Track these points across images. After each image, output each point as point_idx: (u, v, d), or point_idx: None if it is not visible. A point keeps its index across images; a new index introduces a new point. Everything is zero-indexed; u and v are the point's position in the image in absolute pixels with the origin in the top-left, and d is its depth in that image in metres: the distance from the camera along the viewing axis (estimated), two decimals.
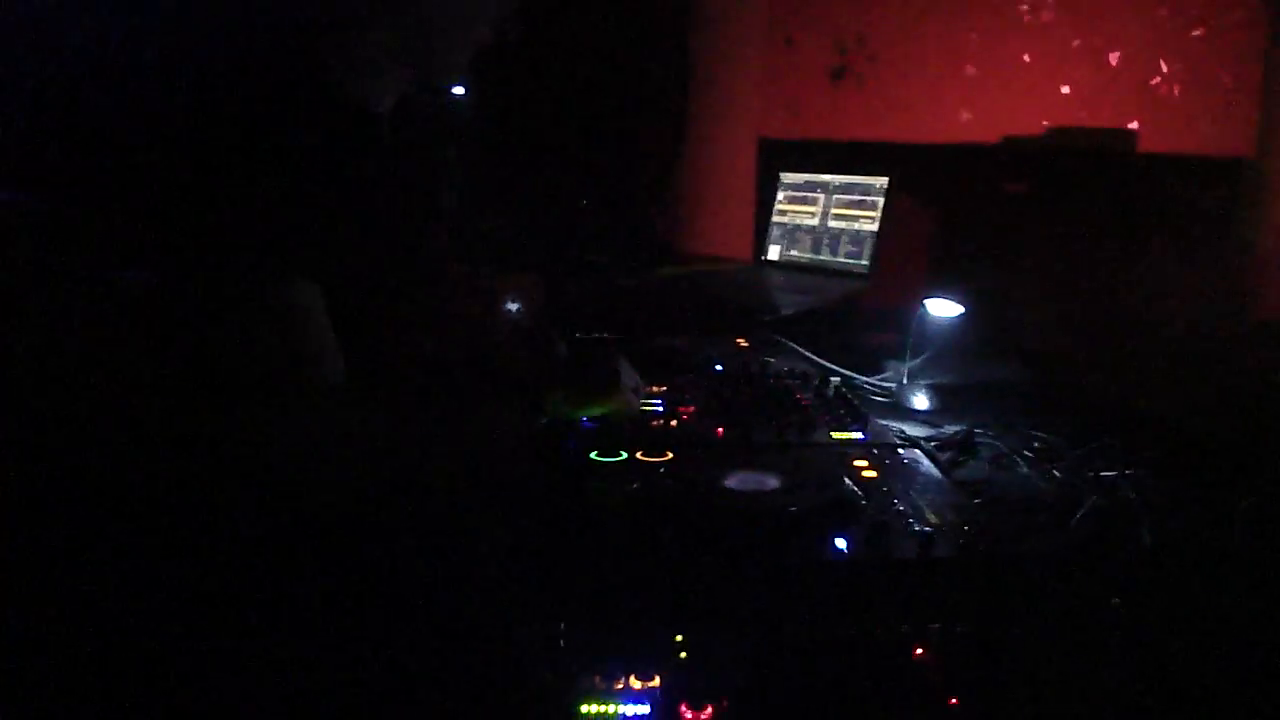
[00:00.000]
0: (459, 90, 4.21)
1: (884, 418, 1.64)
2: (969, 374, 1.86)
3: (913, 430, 1.55)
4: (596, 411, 1.34)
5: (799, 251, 2.36)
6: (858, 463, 1.22)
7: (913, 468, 1.24)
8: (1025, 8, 4.60)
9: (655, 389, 1.54)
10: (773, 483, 1.11)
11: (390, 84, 1.32)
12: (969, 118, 4.67)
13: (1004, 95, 4.66)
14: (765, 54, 4.17)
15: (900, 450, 1.31)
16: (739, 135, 3.99)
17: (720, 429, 1.35)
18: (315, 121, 1.21)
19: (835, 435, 1.35)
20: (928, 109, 4.64)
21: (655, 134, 4.05)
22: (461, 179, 3.66)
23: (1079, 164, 3.68)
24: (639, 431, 1.33)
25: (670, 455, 1.24)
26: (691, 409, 1.45)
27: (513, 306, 2.82)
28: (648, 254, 3.34)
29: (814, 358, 1.86)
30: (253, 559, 1.09)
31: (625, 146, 4.53)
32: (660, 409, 1.45)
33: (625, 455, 1.23)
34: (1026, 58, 4.62)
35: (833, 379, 1.65)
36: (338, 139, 1.24)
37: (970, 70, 4.67)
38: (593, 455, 1.23)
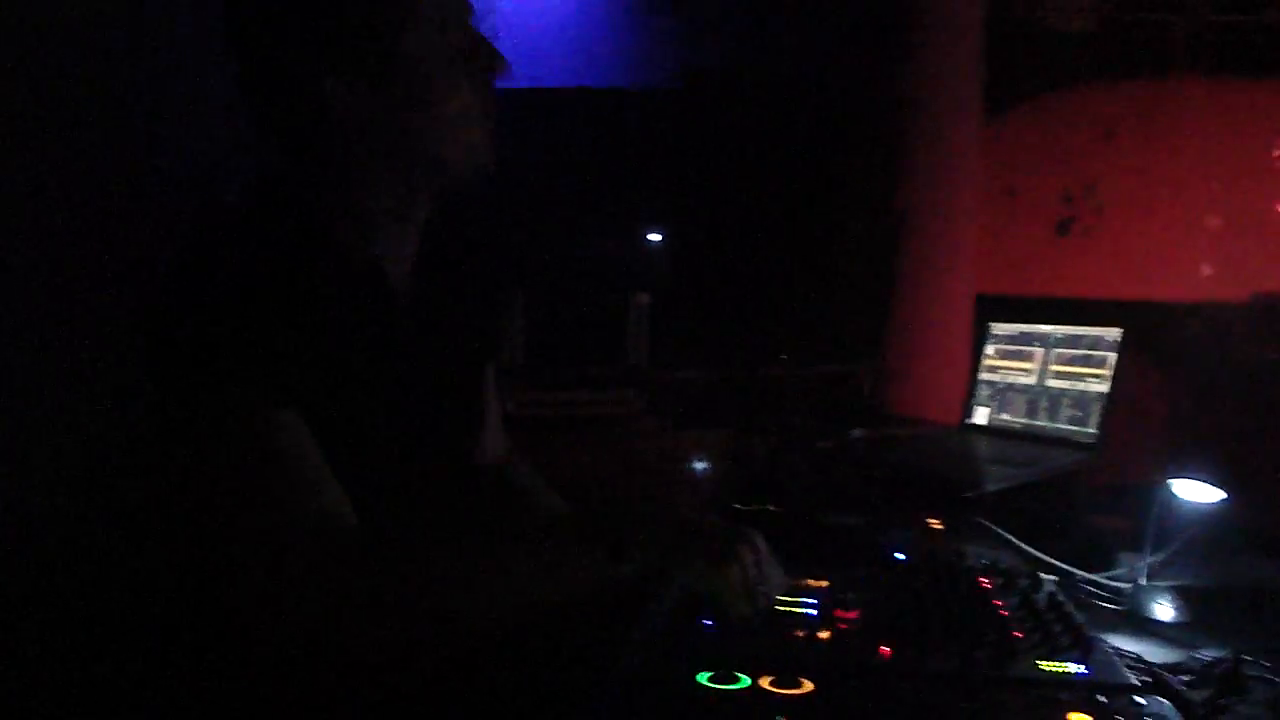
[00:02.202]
0: (655, 236, 4.14)
1: (1115, 631, 1.27)
2: (1231, 576, 1.46)
3: (1154, 654, 1.18)
4: (696, 586, 1.04)
5: (1010, 415, 2.01)
6: (1074, 718, 0.86)
7: None
8: (1277, 154, 4.19)
9: (813, 583, 1.23)
10: None
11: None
12: (1211, 273, 4.24)
13: (1253, 248, 4.23)
14: (985, 205, 3.91)
15: (1139, 698, 0.93)
16: (954, 291, 3.71)
17: (888, 648, 1.02)
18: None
19: (1045, 666, 0.99)
20: (1164, 263, 4.25)
21: (864, 289, 3.83)
22: (649, 327, 3.54)
23: None
24: (776, 645, 1.02)
25: (810, 686, 0.92)
26: (854, 614, 1.12)
27: (699, 466, 2.59)
28: (849, 415, 3.09)
29: (1024, 547, 1.50)
30: None
31: (831, 300, 4.32)
32: (814, 613, 1.13)
33: (747, 682, 0.92)
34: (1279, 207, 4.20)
35: (1046, 578, 1.29)
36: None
37: (1213, 222, 4.27)
38: (700, 678, 0.93)
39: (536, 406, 2.97)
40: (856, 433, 2.43)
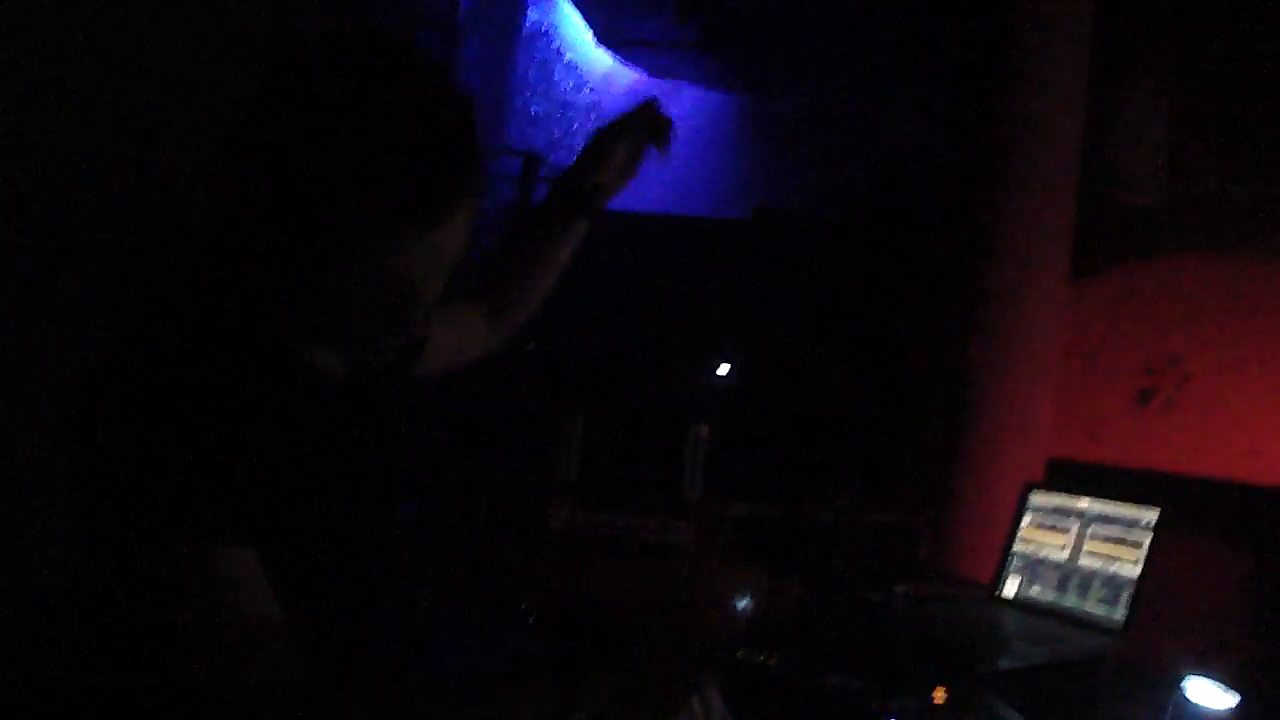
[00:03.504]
0: (724, 370, 4.16)
1: None
2: None
3: None
4: None
5: (1040, 590, 1.94)
6: None
7: None
8: None
9: None
10: None
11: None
12: None
13: None
14: (1063, 370, 3.86)
15: None
16: (1025, 454, 3.64)
17: None
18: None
19: None
20: (1248, 442, 4.13)
21: (930, 441, 3.78)
22: (706, 459, 3.53)
23: None
24: None
25: None
26: None
27: (741, 603, 2.56)
28: (900, 569, 3.03)
29: None
30: None
31: (895, 448, 4.28)
32: None
33: None
34: None
35: None
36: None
37: None
38: None
39: (585, 526, 2.97)
40: (900, 588, 2.38)
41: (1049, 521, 2.00)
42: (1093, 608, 1.81)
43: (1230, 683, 1.34)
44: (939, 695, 1.52)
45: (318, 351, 1.09)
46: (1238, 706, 1.33)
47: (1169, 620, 1.79)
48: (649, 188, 4.71)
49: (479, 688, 1.05)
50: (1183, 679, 1.37)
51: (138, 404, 0.93)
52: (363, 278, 0.99)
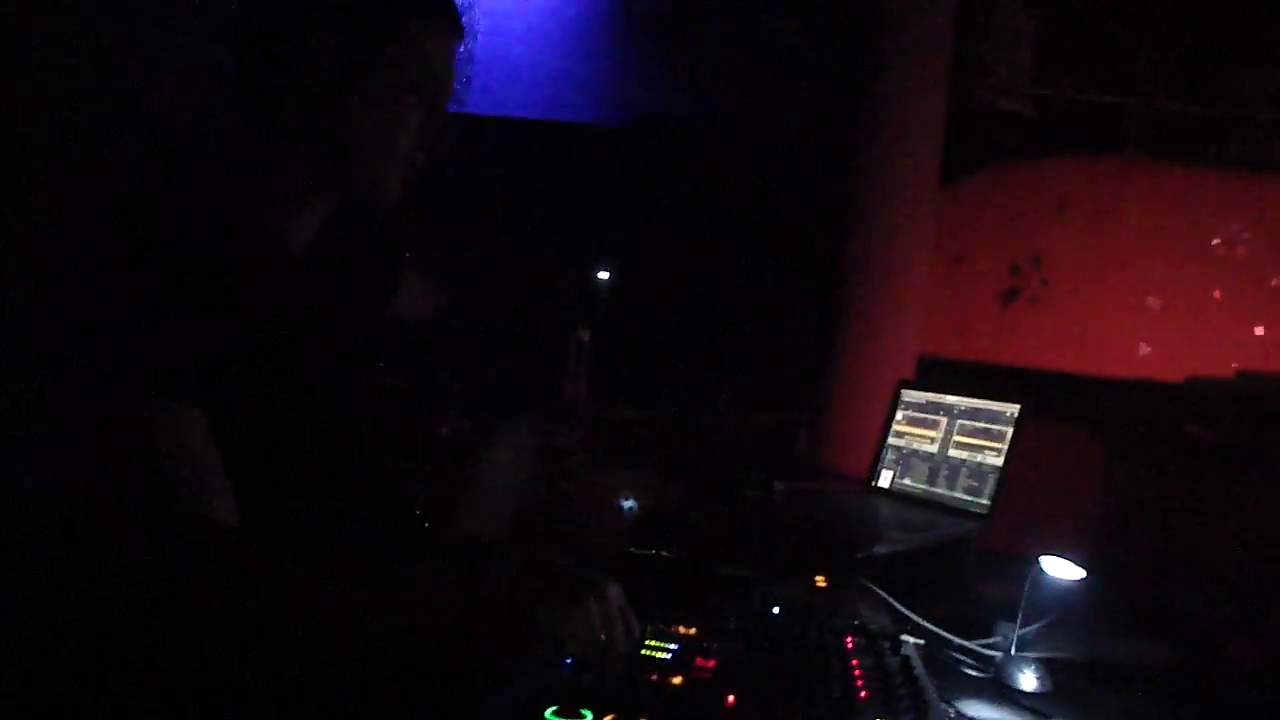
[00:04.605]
0: (604, 275, 4.18)
1: (977, 698, 1.33)
2: (1096, 650, 1.52)
3: None
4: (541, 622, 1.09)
5: (913, 481, 2.06)
6: None
7: None
8: (1218, 241, 4.31)
9: (683, 630, 1.27)
10: None
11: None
12: (1148, 352, 4.35)
13: (1190, 332, 4.34)
14: (933, 270, 3.98)
15: None
16: (898, 351, 3.77)
17: (733, 696, 1.06)
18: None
19: None
20: (1104, 338, 4.35)
21: (809, 343, 3.88)
22: (590, 363, 3.57)
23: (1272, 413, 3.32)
24: (628, 686, 1.06)
25: None
26: (712, 663, 1.16)
27: (627, 504, 2.62)
28: (780, 467, 3.14)
29: (902, 609, 1.55)
30: None
31: (774, 352, 4.38)
32: (670, 658, 1.17)
33: (590, 718, 0.96)
34: (1217, 294, 4.30)
35: (910, 642, 1.33)
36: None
37: (1154, 302, 4.38)
38: (546, 714, 0.97)
39: (468, 432, 2.99)
40: (779, 485, 2.48)
41: (920, 416, 2.11)
42: (961, 495, 1.93)
43: (1080, 559, 1.47)
44: (820, 581, 1.62)
45: (286, 220, 1.21)
46: (1085, 579, 1.45)
47: (1028, 505, 1.92)
48: (517, 89, 4.64)
49: (386, 567, 1.10)
50: (1038, 557, 1.48)
51: (107, 265, 1.01)
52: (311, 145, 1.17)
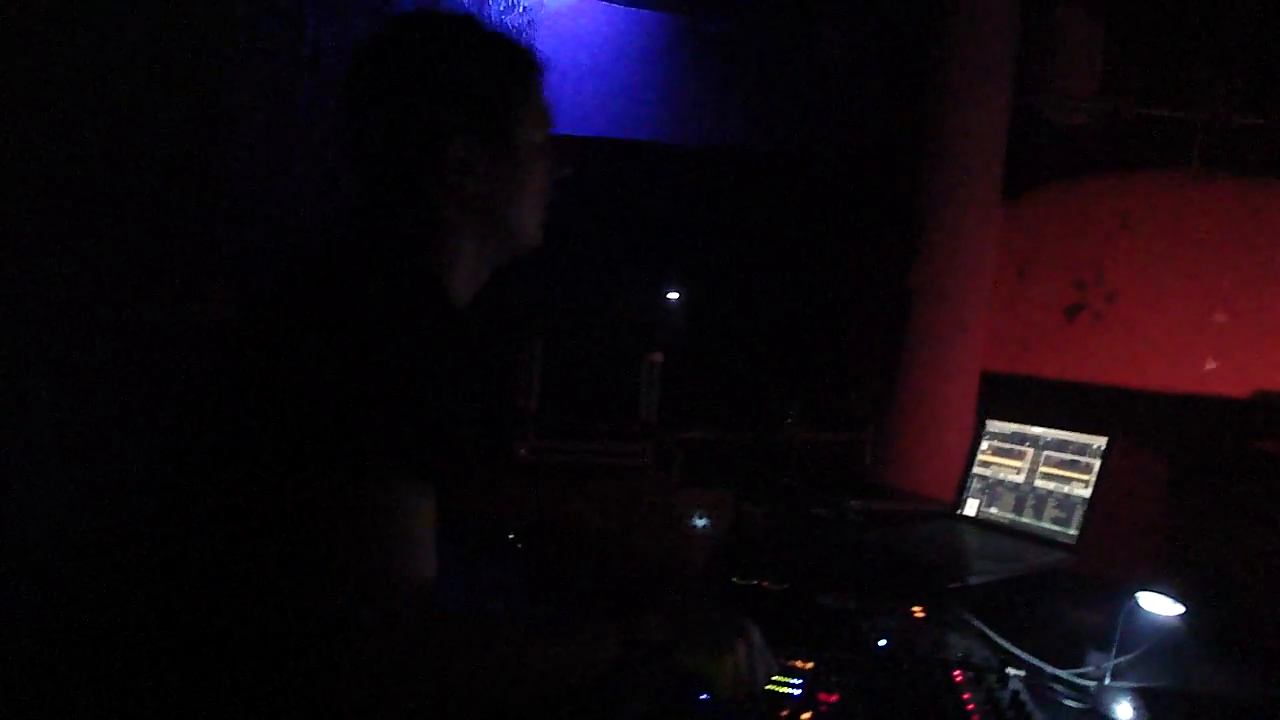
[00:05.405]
0: (673, 295, 4.25)
1: None
2: (1189, 680, 1.57)
3: None
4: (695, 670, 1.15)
5: (999, 510, 2.12)
6: None
7: None
8: None
9: (800, 664, 1.34)
10: None
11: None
12: (1215, 367, 4.35)
13: (1257, 346, 4.34)
14: (996, 285, 4.02)
15: None
16: (962, 368, 3.82)
17: None
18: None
19: None
20: (1169, 353, 4.35)
21: (873, 360, 3.93)
22: (661, 385, 3.63)
23: None
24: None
25: None
26: (834, 698, 1.24)
27: (700, 522, 2.69)
28: (849, 484, 3.18)
29: (999, 640, 1.62)
30: None
31: (840, 368, 4.43)
32: (797, 693, 1.24)
33: None
34: None
35: (1014, 674, 1.40)
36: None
37: (1220, 317, 4.38)
38: None
39: (547, 453, 3.07)
40: (854, 504, 2.54)
41: (1006, 447, 2.17)
42: (1048, 525, 1.99)
43: (1176, 594, 1.52)
44: (918, 611, 1.69)
45: (457, 285, 1.29)
46: (1184, 615, 1.51)
47: (1118, 536, 1.96)
48: (583, 109, 4.71)
49: (545, 629, 1.15)
50: (1135, 591, 1.54)
51: (324, 342, 1.06)
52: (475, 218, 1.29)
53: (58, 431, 1.99)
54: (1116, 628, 1.52)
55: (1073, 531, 1.94)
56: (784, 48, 5.24)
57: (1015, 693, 1.31)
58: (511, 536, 2.11)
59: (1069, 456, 2.01)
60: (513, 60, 1.33)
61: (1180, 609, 1.50)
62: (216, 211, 2.52)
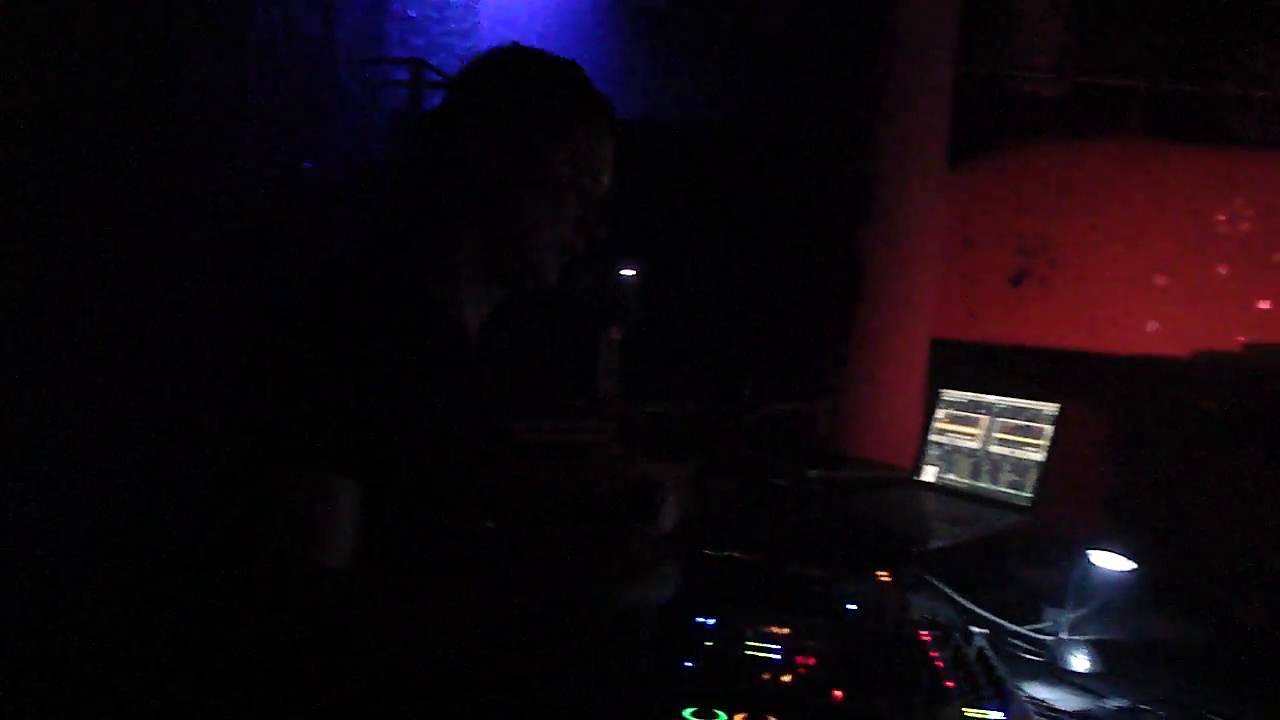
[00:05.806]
0: (629, 272, 4.29)
1: (1035, 680, 1.49)
2: (1140, 631, 1.67)
3: (1067, 701, 1.40)
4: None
5: (956, 476, 2.20)
6: None
7: None
8: (1222, 218, 4.43)
9: (777, 630, 1.41)
10: None
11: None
12: (1157, 328, 4.48)
13: (1196, 308, 4.47)
14: (943, 255, 4.11)
15: None
16: (912, 336, 3.90)
17: (839, 691, 1.21)
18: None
19: (970, 714, 1.19)
20: (1112, 317, 4.47)
21: (825, 329, 4.00)
22: (620, 361, 3.68)
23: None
24: (747, 685, 1.21)
25: None
26: (812, 660, 1.31)
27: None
28: (806, 453, 3.25)
29: (961, 600, 1.70)
30: None
31: (793, 340, 4.50)
32: (778, 658, 1.31)
33: (725, 718, 1.11)
34: (1222, 270, 4.43)
35: (977, 632, 1.47)
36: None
37: (1160, 280, 4.50)
38: (685, 714, 1.11)
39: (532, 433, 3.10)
40: (813, 473, 2.61)
41: (961, 414, 2.25)
42: (1004, 489, 2.08)
43: (1127, 551, 1.60)
44: (884, 576, 1.77)
45: (465, 304, 1.34)
46: (1134, 571, 1.59)
47: (1070, 497, 2.05)
48: None
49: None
50: (1088, 549, 1.62)
51: (295, 342, 1.14)
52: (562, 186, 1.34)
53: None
54: (1071, 585, 1.60)
55: (1028, 494, 2.02)
56: (727, 20, 5.29)
57: (980, 649, 1.39)
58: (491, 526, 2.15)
59: (1022, 423, 2.09)
60: (582, 99, 1.37)
61: (1130, 565, 1.58)
62: (172, 200, 2.52)
